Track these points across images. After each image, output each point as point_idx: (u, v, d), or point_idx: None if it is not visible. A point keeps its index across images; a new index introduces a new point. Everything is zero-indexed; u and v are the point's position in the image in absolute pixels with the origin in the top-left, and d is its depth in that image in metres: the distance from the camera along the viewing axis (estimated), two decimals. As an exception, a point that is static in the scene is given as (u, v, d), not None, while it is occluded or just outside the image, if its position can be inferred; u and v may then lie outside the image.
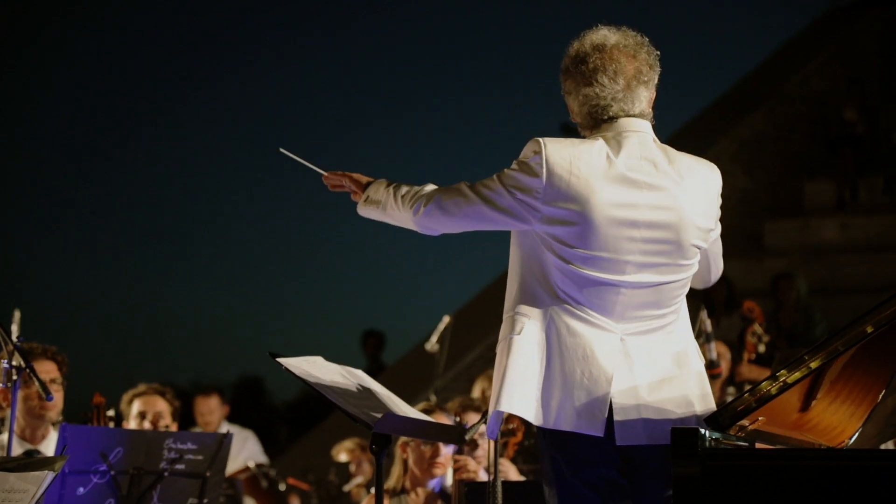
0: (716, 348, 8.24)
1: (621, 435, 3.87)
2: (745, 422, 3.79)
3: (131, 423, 6.83)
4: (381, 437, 4.48)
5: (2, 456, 5.76)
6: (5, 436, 5.88)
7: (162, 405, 6.90)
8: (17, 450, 5.99)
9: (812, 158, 15.04)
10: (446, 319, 9.76)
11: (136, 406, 6.90)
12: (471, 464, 6.18)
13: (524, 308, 3.96)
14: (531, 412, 3.89)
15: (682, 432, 3.65)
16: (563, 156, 3.91)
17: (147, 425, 6.79)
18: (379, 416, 4.44)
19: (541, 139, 3.95)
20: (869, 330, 3.68)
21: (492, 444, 4.90)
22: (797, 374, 3.73)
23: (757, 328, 9.26)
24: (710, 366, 8.05)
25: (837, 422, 4.00)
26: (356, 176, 4.36)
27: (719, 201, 4.09)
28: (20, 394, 5.71)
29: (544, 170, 3.91)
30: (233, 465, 9.02)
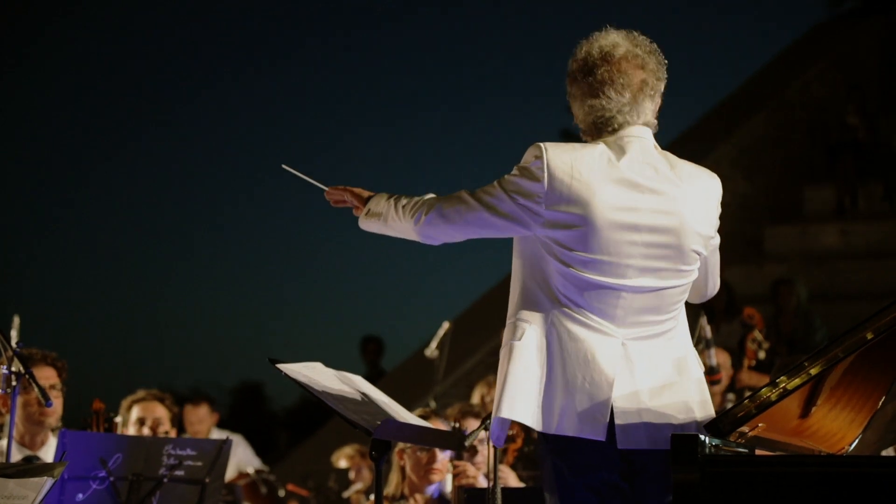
0: (715, 356, 8.24)
1: (622, 439, 3.87)
2: (745, 428, 3.79)
3: (130, 430, 6.82)
4: (381, 444, 4.48)
5: (1, 462, 5.76)
6: (4, 442, 5.88)
7: (161, 411, 6.90)
8: (17, 456, 5.98)
9: (812, 164, 15.04)
10: (446, 325, 9.76)
11: (136, 412, 6.90)
12: (470, 470, 6.18)
13: (525, 314, 3.97)
14: (533, 418, 3.89)
15: (682, 439, 3.65)
16: (564, 160, 3.92)
17: (146, 431, 6.79)
18: (378, 422, 4.44)
19: (542, 144, 3.95)
20: (869, 336, 3.68)
21: (491, 450, 4.90)
22: (797, 381, 3.73)
23: (757, 335, 9.27)
24: (710, 372, 8.05)
25: (837, 428, 4.00)
26: (357, 190, 4.36)
27: (719, 210, 4.09)
28: (19, 400, 5.70)
29: (546, 174, 3.91)
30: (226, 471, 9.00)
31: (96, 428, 6.15)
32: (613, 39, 4.03)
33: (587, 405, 3.87)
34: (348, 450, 9.50)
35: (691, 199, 3.99)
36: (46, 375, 6.04)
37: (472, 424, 6.36)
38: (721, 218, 4.12)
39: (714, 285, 4.24)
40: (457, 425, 5.85)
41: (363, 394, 4.59)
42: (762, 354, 9.22)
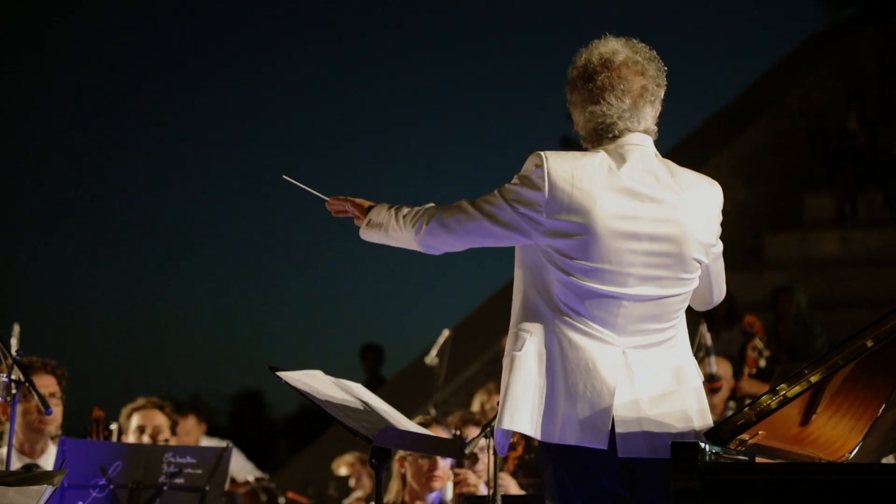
0: (716, 365, 8.24)
1: (623, 447, 3.87)
2: (745, 436, 3.79)
3: (130, 438, 6.82)
4: (381, 451, 4.48)
5: (1, 470, 5.75)
6: (4, 450, 5.87)
7: (161, 419, 6.90)
8: (16, 464, 5.98)
9: (812, 172, 15.06)
10: (446, 333, 9.77)
11: (136, 420, 6.89)
12: (471, 477, 6.18)
13: (526, 324, 3.97)
14: (535, 428, 3.89)
15: (682, 446, 3.64)
16: (564, 168, 3.92)
17: (146, 439, 6.79)
18: (378, 430, 4.44)
19: (542, 153, 3.95)
20: (869, 344, 3.68)
21: (492, 457, 4.90)
22: (797, 388, 3.73)
23: (758, 343, 9.26)
24: (710, 379, 8.05)
25: (838, 436, 4.00)
26: (358, 201, 4.36)
27: (720, 217, 4.09)
28: (19, 408, 5.70)
29: (546, 183, 3.91)
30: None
31: (96, 436, 6.15)
32: (613, 46, 4.04)
33: (589, 414, 3.87)
34: (348, 457, 9.50)
35: (692, 207, 3.99)
36: (46, 383, 6.04)
37: (472, 432, 6.36)
38: (721, 225, 4.12)
39: (719, 293, 4.24)
40: (457, 433, 5.85)
41: (363, 402, 4.59)
42: (763, 363, 9.21)
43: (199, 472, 5.65)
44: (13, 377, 5.32)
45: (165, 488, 5.58)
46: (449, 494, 6.25)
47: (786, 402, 3.73)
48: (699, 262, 4.02)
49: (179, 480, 5.61)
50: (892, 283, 12.70)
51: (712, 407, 7.31)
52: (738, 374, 9.05)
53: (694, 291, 4.14)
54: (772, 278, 13.02)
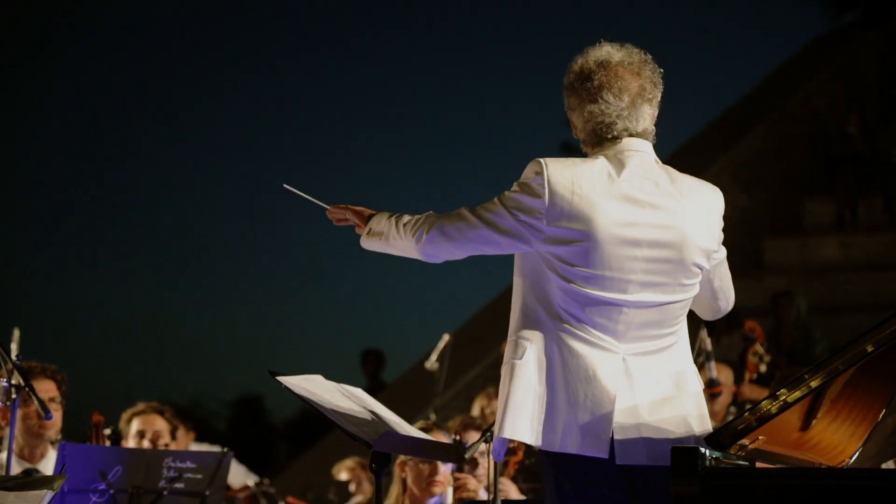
0: (717, 371, 8.24)
1: (621, 455, 3.87)
2: (745, 441, 3.79)
3: (130, 442, 6.82)
4: (381, 456, 4.48)
5: (1, 475, 5.75)
6: (4, 455, 5.87)
7: (161, 424, 6.90)
8: (16, 469, 5.98)
9: (812, 177, 15.06)
10: (446, 338, 9.76)
11: (135, 425, 6.89)
12: (471, 482, 6.18)
13: (526, 332, 3.97)
14: (536, 436, 3.89)
15: (683, 451, 3.64)
16: (564, 175, 3.92)
17: (146, 444, 6.79)
18: (378, 434, 4.43)
19: (542, 160, 3.95)
20: (869, 349, 3.68)
21: (492, 462, 4.90)
22: (797, 393, 3.73)
23: (758, 348, 9.26)
24: (711, 385, 8.05)
25: (838, 441, 4.00)
26: (359, 209, 4.36)
27: (721, 224, 4.09)
28: (19, 412, 5.70)
29: (546, 190, 3.91)
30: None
31: (96, 440, 6.15)
32: (607, 50, 4.07)
33: (589, 422, 3.87)
34: (349, 462, 9.49)
35: (692, 213, 4.00)
36: (46, 388, 6.04)
37: (472, 437, 6.36)
38: (722, 231, 4.12)
39: (726, 301, 4.25)
40: (457, 438, 5.85)
41: (363, 406, 4.59)
42: (763, 368, 9.22)
43: (199, 476, 5.65)
44: (13, 382, 5.32)
45: (165, 493, 5.58)
46: (449, 499, 6.25)
47: (786, 407, 3.73)
48: (700, 267, 4.02)
49: (179, 485, 5.61)
50: (893, 288, 12.70)
51: (713, 412, 7.33)
52: (738, 380, 9.05)
53: (700, 301, 4.15)
54: (772, 283, 13.02)
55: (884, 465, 4.57)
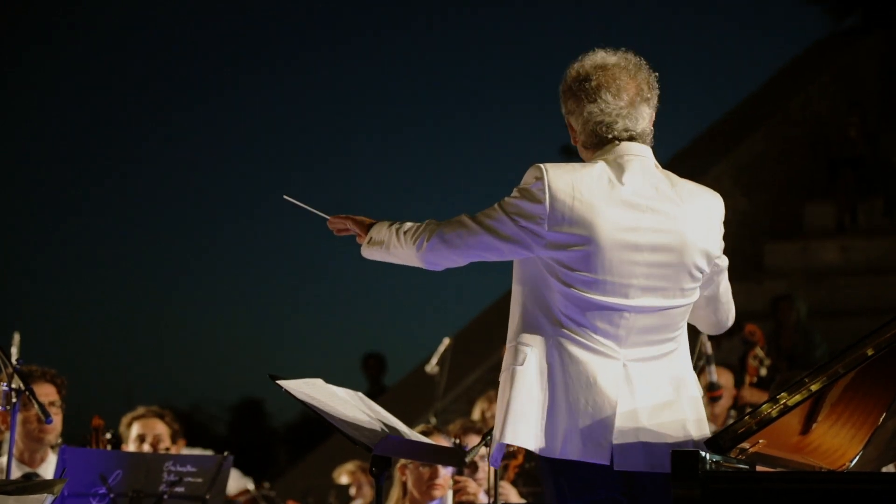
0: (717, 375, 8.24)
1: (620, 461, 3.87)
2: (745, 444, 3.79)
3: (130, 446, 6.82)
4: (381, 460, 4.48)
5: (1, 479, 5.75)
6: (4, 459, 5.88)
7: (161, 428, 6.90)
8: (16, 473, 5.98)
9: (812, 181, 15.06)
10: (446, 341, 9.76)
11: (136, 429, 6.89)
12: (471, 486, 6.18)
13: (526, 337, 3.96)
14: (536, 443, 3.89)
15: (683, 455, 3.64)
16: (565, 180, 3.92)
17: (146, 448, 6.79)
18: (379, 438, 4.43)
19: (542, 165, 3.95)
20: (869, 353, 3.68)
21: (492, 466, 4.89)
22: (797, 397, 3.73)
23: (758, 352, 9.26)
24: (711, 388, 8.05)
25: (838, 445, 3.99)
26: (359, 218, 4.36)
27: (722, 229, 4.09)
28: (19, 417, 5.70)
29: (547, 195, 3.91)
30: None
31: (96, 444, 6.15)
32: (602, 55, 4.09)
33: (590, 429, 3.87)
34: (349, 466, 9.49)
35: (692, 217, 4.00)
36: (46, 392, 6.04)
37: (473, 440, 6.36)
38: (723, 237, 4.12)
39: (727, 314, 4.26)
40: (458, 441, 5.85)
41: (364, 410, 4.59)
42: (764, 371, 9.21)
43: (199, 480, 5.65)
44: (13, 386, 5.32)
45: (165, 497, 5.58)
46: (449, 502, 6.25)
47: (786, 410, 3.73)
48: (701, 271, 4.02)
49: (180, 489, 5.61)
50: (893, 292, 12.70)
51: (714, 416, 7.33)
52: (739, 383, 9.05)
53: (702, 313, 4.16)
54: (772, 287, 13.02)
55: (884, 469, 4.57)
